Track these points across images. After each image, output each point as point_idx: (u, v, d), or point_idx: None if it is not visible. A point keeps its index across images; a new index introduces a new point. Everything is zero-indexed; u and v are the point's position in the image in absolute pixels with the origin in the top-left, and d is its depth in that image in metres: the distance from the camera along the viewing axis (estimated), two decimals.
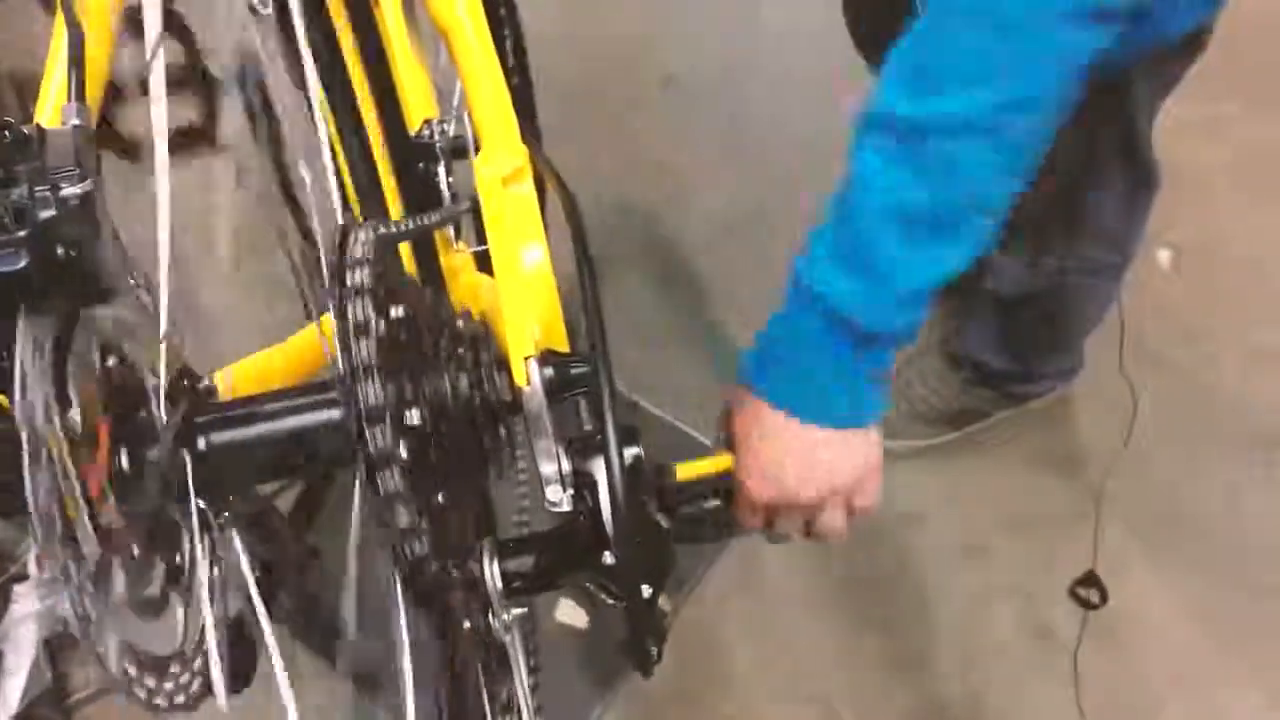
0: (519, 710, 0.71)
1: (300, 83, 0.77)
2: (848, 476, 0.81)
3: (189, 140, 0.70)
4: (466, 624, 0.63)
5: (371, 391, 0.52)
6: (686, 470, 0.82)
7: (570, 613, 1.48)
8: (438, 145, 0.85)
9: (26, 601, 0.52)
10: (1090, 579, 1.50)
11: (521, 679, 0.69)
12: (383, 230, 0.61)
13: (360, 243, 0.57)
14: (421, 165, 0.84)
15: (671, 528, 0.70)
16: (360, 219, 0.65)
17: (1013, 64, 0.71)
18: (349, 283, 0.55)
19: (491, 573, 0.63)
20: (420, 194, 0.97)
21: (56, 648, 0.55)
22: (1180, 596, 1.48)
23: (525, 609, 0.65)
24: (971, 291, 1.54)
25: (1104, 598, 1.48)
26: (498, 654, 0.69)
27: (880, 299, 0.76)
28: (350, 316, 0.54)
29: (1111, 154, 1.22)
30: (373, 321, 0.54)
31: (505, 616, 0.63)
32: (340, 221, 0.65)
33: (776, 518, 0.83)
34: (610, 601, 0.61)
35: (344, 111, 1.01)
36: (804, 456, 0.80)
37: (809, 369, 0.79)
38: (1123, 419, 1.61)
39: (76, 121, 0.56)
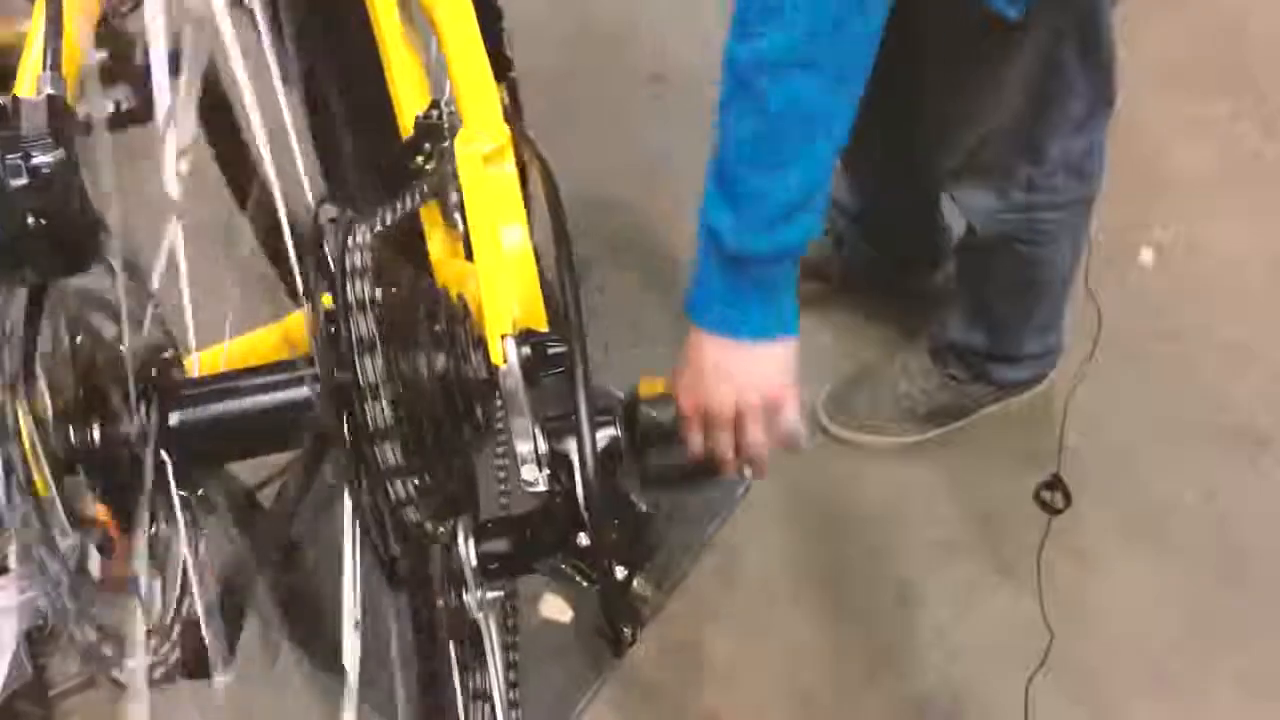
0: (493, 693, 0.71)
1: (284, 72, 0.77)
2: (756, 385, 0.94)
3: (122, 120, 0.71)
4: (441, 602, 0.63)
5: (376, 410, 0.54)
6: (647, 387, 0.93)
7: (554, 607, 1.48)
8: (445, 126, 0.85)
9: (7, 594, 0.51)
10: (1055, 482, 1.54)
11: (494, 658, 0.68)
12: (375, 227, 0.61)
13: (359, 247, 0.57)
14: (426, 146, 0.85)
15: (643, 471, 0.72)
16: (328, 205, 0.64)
17: (798, 6, 0.81)
18: (350, 298, 0.55)
19: (467, 549, 0.62)
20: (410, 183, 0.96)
21: (37, 640, 0.55)
22: (1158, 587, 1.49)
23: (502, 591, 0.65)
24: (947, 270, 1.54)
25: (1068, 498, 1.53)
26: (472, 634, 0.68)
27: (743, 224, 0.88)
28: (355, 331, 0.55)
29: (1076, 65, 1.21)
30: (376, 336, 0.55)
31: (480, 594, 0.63)
32: (313, 204, 0.65)
33: (709, 433, 0.95)
34: (584, 583, 0.60)
35: (333, 99, 1.01)
36: (716, 364, 0.93)
37: (709, 288, 0.93)
38: (1108, 406, 1.62)
39: (51, 91, 0.56)
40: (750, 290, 0.92)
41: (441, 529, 0.63)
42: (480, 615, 0.65)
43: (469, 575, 0.62)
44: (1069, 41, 1.18)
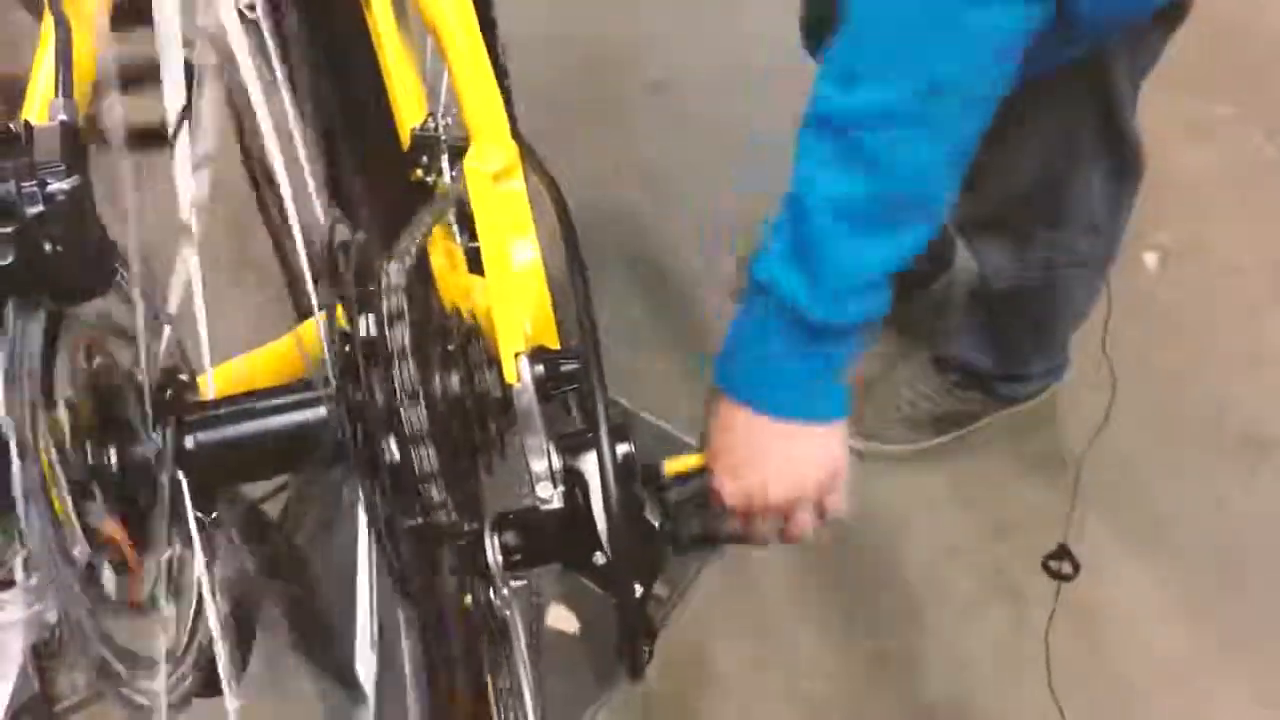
0: (521, 696, 0.71)
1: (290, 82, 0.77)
2: (813, 474, 0.82)
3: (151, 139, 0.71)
4: (470, 597, 0.63)
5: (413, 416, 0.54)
6: (674, 465, 0.83)
7: (562, 618, 1.48)
8: (442, 138, 0.85)
9: (13, 608, 0.51)
10: (1061, 552, 1.52)
11: (522, 654, 0.68)
12: (406, 258, 0.61)
13: (393, 288, 0.57)
14: (424, 159, 0.84)
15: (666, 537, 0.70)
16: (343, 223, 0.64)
17: (927, 51, 0.73)
18: (391, 345, 0.55)
19: (491, 543, 0.62)
20: (413, 196, 0.97)
21: (43, 655, 0.55)
22: (1164, 596, 1.49)
23: (525, 581, 0.65)
24: (958, 293, 1.55)
25: (1075, 567, 1.50)
26: (498, 631, 0.68)
27: (827, 291, 0.78)
28: (399, 379, 0.55)
29: (1093, 138, 1.20)
30: (418, 383, 0.55)
31: (506, 591, 0.63)
32: (326, 221, 0.65)
33: (751, 519, 0.84)
34: (598, 589, 0.61)
35: (336, 112, 1.01)
36: (769, 453, 0.81)
37: (766, 363, 0.81)
38: (1111, 411, 1.62)
39: (63, 117, 0.56)
40: (822, 364, 0.81)
41: (469, 527, 0.63)
42: (506, 610, 0.64)
43: (494, 569, 0.62)
44: (1082, 116, 1.17)
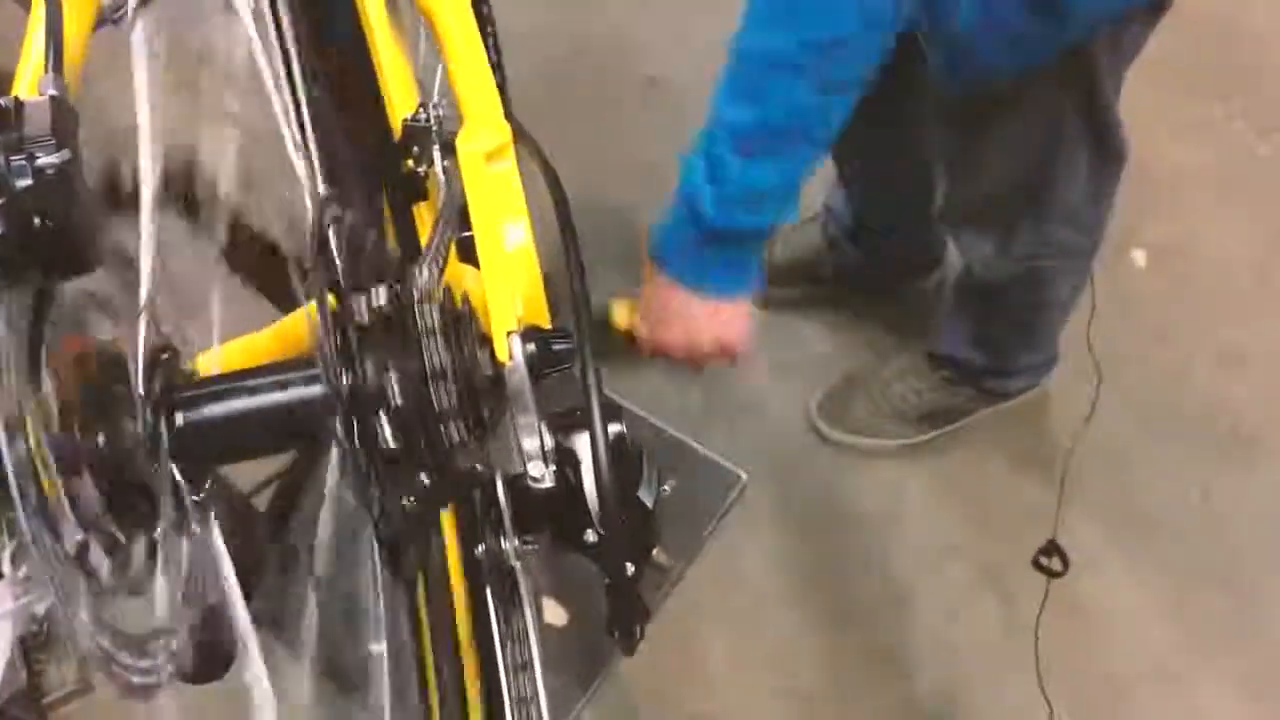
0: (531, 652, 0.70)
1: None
2: (705, 333, 1.03)
3: None
4: (480, 548, 0.63)
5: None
6: (620, 312, 1.06)
7: (550, 611, 1.47)
8: (434, 129, 0.85)
9: (1, 600, 0.51)
10: (1051, 548, 1.52)
11: (531, 614, 0.68)
12: (435, 266, 0.61)
13: (428, 304, 0.57)
14: (415, 149, 0.84)
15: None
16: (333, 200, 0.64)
17: (810, 14, 0.85)
18: (430, 368, 0.56)
19: (505, 491, 0.62)
20: (405, 185, 0.96)
21: (32, 646, 0.54)
22: (1152, 593, 1.50)
23: (535, 545, 0.65)
24: (949, 289, 1.55)
25: (1065, 563, 1.51)
26: (507, 584, 0.68)
27: (719, 200, 0.94)
28: (437, 403, 0.57)
29: (1077, 128, 1.21)
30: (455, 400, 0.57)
31: (516, 542, 0.62)
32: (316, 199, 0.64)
33: (660, 353, 1.06)
34: (590, 564, 0.60)
35: (327, 100, 1.00)
36: (674, 311, 1.02)
37: (680, 244, 1.00)
38: (1101, 407, 1.62)
39: (53, 92, 0.55)
40: (720, 256, 0.98)
41: (484, 469, 0.63)
42: (516, 561, 0.64)
43: (505, 511, 0.62)
44: (1070, 110, 1.19)
